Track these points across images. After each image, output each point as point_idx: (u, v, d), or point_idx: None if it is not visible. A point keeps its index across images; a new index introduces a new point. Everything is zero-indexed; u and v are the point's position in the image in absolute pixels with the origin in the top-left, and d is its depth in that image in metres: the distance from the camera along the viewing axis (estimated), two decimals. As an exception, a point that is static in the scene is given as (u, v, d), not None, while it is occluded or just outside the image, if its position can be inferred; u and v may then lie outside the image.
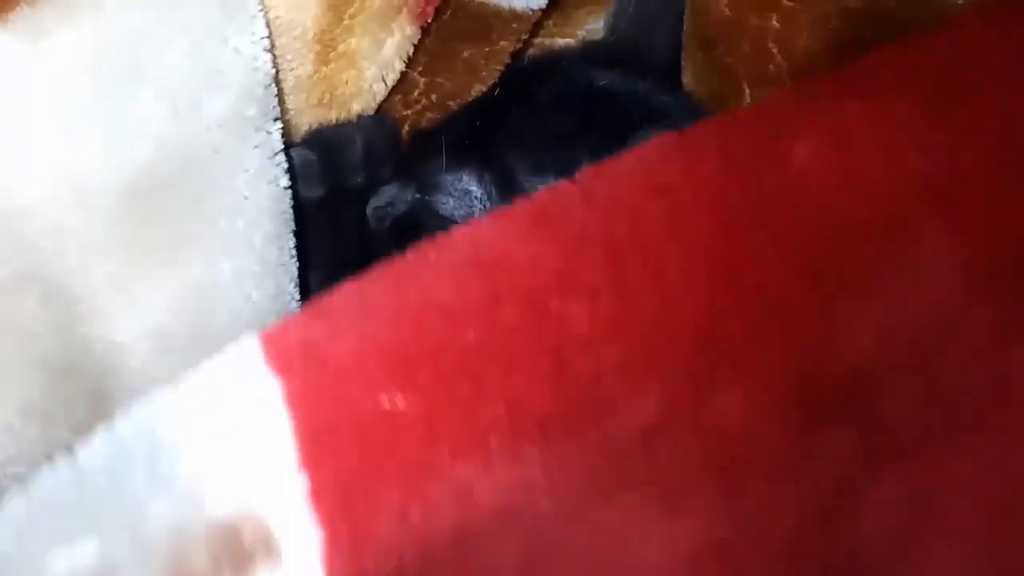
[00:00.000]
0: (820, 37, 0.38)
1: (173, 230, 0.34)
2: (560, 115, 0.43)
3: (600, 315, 0.27)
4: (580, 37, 0.49)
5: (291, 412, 0.25)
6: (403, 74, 0.43)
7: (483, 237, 0.28)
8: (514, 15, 0.44)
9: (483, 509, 0.26)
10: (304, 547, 0.24)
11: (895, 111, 0.31)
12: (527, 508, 0.27)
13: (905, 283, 0.30)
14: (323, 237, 0.41)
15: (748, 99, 0.42)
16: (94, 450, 0.24)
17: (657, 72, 0.45)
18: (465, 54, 0.45)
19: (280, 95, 0.37)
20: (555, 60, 0.47)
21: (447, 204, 0.42)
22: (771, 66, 0.40)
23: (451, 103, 0.46)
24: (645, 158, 0.29)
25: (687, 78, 0.45)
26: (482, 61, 0.45)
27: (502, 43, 0.45)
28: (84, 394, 0.34)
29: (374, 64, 0.42)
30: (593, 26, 0.49)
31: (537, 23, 0.46)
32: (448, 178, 0.42)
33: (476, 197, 0.42)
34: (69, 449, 0.24)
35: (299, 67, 0.40)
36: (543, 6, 0.44)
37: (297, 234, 0.37)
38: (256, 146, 0.35)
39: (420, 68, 0.45)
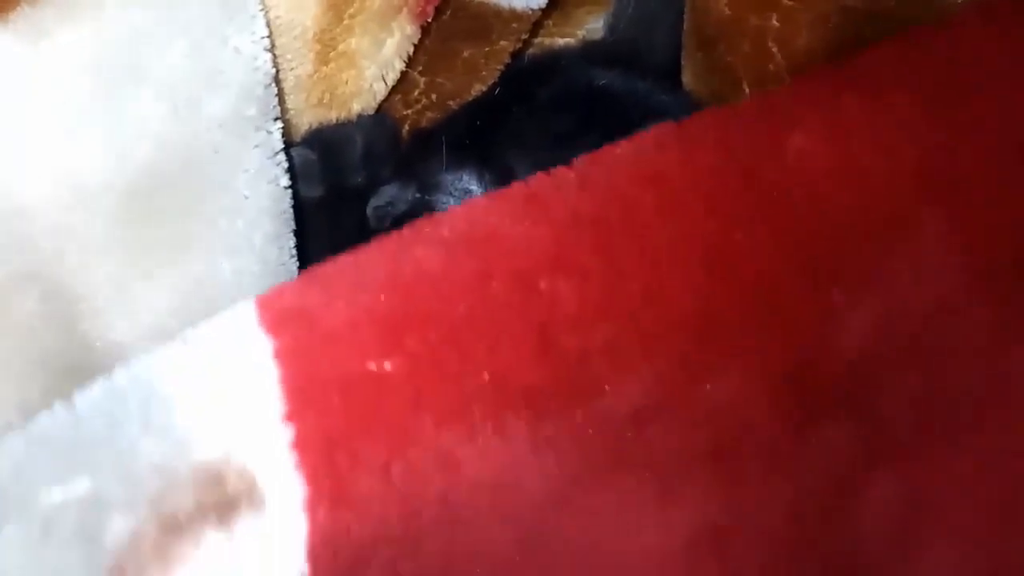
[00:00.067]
0: (820, 36, 0.38)
1: (173, 230, 0.34)
2: (560, 115, 0.43)
3: (589, 295, 0.28)
4: (580, 37, 0.49)
5: (280, 368, 0.25)
6: (403, 74, 0.43)
7: (477, 216, 0.28)
8: (514, 15, 0.43)
9: (469, 479, 0.26)
10: (287, 497, 0.25)
11: (893, 106, 0.31)
12: (518, 489, 0.28)
13: (902, 277, 0.30)
14: (323, 237, 0.41)
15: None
16: (91, 396, 0.25)
17: (657, 72, 0.45)
18: (465, 54, 0.45)
19: (280, 95, 0.37)
20: (555, 60, 0.47)
21: (447, 204, 0.42)
22: (771, 65, 0.40)
23: (451, 103, 0.46)
24: (642, 147, 0.30)
25: (687, 77, 0.45)
26: (482, 61, 0.45)
27: (502, 43, 0.45)
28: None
29: (374, 64, 0.42)
30: (593, 26, 0.49)
31: (537, 23, 0.46)
32: (448, 178, 0.42)
33: (476, 196, 0.42)
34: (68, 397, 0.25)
35: (299, 67, 0.40)
36: (543, 6, 0.44)
37: (297, 234, 0.37)
38: (256, 146, 0.35)
39: (420, 68, 0.45)
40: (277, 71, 0.36)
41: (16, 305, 0.32)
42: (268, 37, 0.35)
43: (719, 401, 0.29)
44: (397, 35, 0.42)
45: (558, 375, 0.27)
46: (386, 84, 0.43)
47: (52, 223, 0.32)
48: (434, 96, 0.46)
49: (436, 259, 0.27)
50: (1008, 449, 0.32)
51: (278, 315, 0.26)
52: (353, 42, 0.41)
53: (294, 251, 0.37)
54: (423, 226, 0.28)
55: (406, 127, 0.46)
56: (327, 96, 0.42)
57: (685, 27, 0.44)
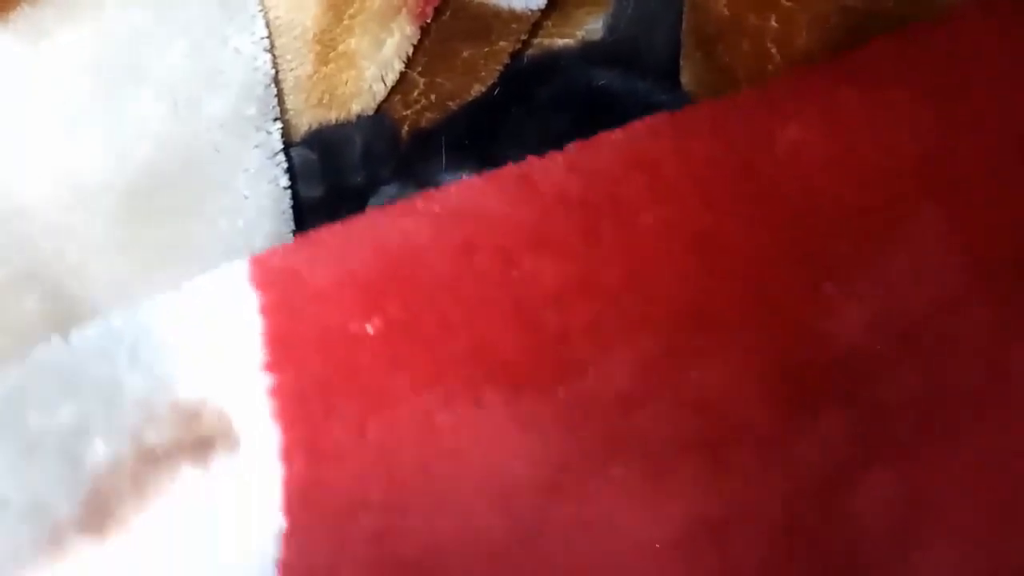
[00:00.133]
0: (819, 36, 0.38)
1: (173, 230, 0.34)
2: (559, 115, 0.43)
3: (570, 275, 0.28)
4: (579, 37, 0.49)
5: (264, 321, 0.26)
6: (403, 74, 0.43)
7: (466, 193, 0.29)
8: (513, 15, 0.43)
9: (448, 448, 0.27)
10: (262, 443, 0.26)
11: (891, 100, 0.31)
12: (505, 471, 0.28)
13: (900, 273, 0.30)
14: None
15: (747, 99, 0.42)
16: (87, 333, 0.26)
17: (656, 72, 0.45)
18: (465, 54, 0.45)
19: (280, 95, 0.37)
20: (554, 60, 0.47)
21: (446, 204, 0.42)
22: (770, 66, 0.40)
23: (451, 103, 0.46)
24: (635, 134, 0.30)
25: (686, 78, 0.45)
26: (481, 61, 0.45)
27: (501, 43, 0.45)
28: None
29: (374, 64, 0.42)
30: (592, 26, 0.49)
31: (536, 23, 0.46)
32: (447, 178, 0.42)
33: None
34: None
35: (299, 67, 0.40)
36: (542, 6, 0.44)
37: (297, 234, 0.37)
38: (256, 146, 0.35)
39: (420, 68, 0.45)
40: (277, 71, 0.36)
41: (16, 305, 0.32)
42: (268, 37, 0.35)
43: (707, 389, 0.29)
44: (397, 36, 0.42)
45: (536, 350, 0.28)
46: (386, 84, 0.43)
47: (52, 223, 0.32)
48: (433, 96, 0.46)
49: (423, 231, 0.28)
50: (1009, 448, 0.32)
51: (268, 273, 0.27)
52: (353, 42, 0.41)
53: (294, 251, 0.37)
54: (415, 201, 0.29)
55: (405, 127, 0.46)
56: (327, 96, 0.42)
57: (684, 27, 0.44)
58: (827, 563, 0.32)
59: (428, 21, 0.42)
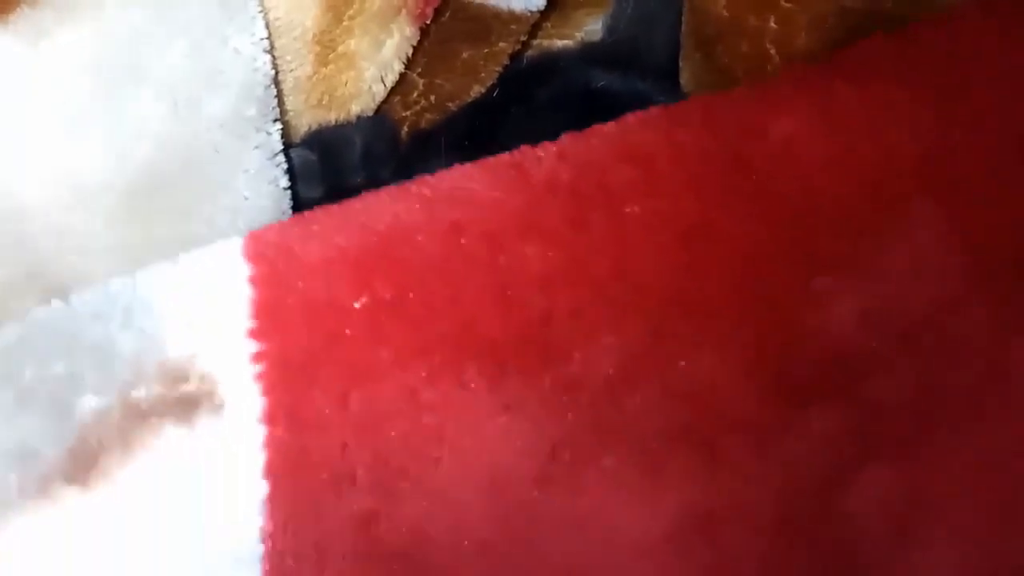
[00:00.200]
0: (818, 38, 0.38)
1: (173, 230, 0.34)
2: (559, 116, 0.43)
3: (555, 261, 0.29)
4: (578, 38, 0.49)
5: (253, 291, 0.27)
6: (402, 75, 0.43)
7: (458, 179, 0.30)
8: (513, 16, 0.44)
9: (433, 427, 0.28)
10: (245, 406, 0.27)
11: (888, 96, 0.31)
12: (494, 458, 0.28)
13: (894, 266, 0.30)
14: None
15: (746, 100, 0.42)
16: (86, 296, 0.28)
17: (655, 73, 0.45)
18: (464, 55, 0.45)
19: (280, 96, 0.37)
20: (554, 61, 0.47)
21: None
22: (769, 67, 0.40)
23: (450, 104, 0.46)
24: (627, 126, 0.30)
25: (685, 79, 0.45)
26: (481, 62, 0.45)
27: (501, 44, 0.45)
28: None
29: (373, 65, 0.42)
30: (592, 27, 0.49)
31: (536, 24, 0.46)
32: (447, 179, 0.42)
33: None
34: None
35: (299, 68, 0.40)
36: (542, 7, 0.44)
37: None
38: (256, 146, 0.35)
39: (419, 69, 0.45)
40: (277, 72, 0.36)
41: (16, 305, 0.32)
42: (268, 38, 0.35)
43: (697, 379, 0.30)
44: (396, 36, 0.42)
45: (521, 333, 0.28)
46: (385, 85, 0.43)
47: (52, 223, 0.32)
48: (433, 97, 0.46)
49: (414, 213, 0.29)
50: (1009, 447, 0.32)
51: (260, 247, 0.28)
52: (352, 43, 0.41)
53: (294, 252, 0.37)
54: (408, 185, 0.30)
55: (405, 128, 0.46)
56: (326, 97, 0.42)
57: (683, 28, 0.44)
58: (823, 560, 0.32)
59: (428, 22, 0.42)
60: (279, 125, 0.36)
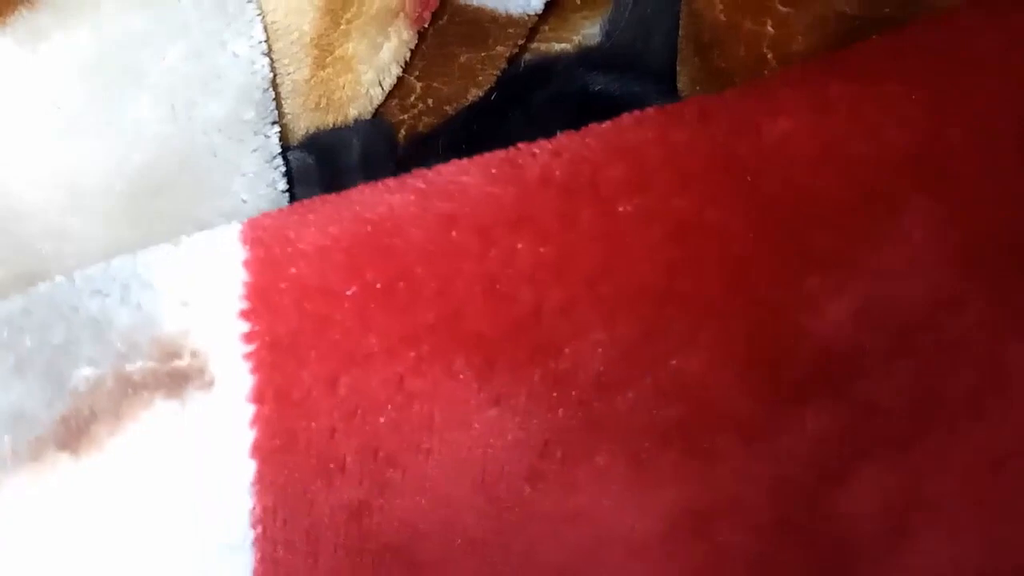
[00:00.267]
0: (815, 42, 0.39)
1: (171, 233, 0.34)
2: (556, 119, 0.43)
3: (546, 256, 0.29)
4: (576, 42, 0.49)
5: (247, 274, 0.28)
6: (400, 78, 0.43)
7: (453, 173, 0.30)
8: (510, 20, 0.44)
9: (422, 416, 0.28)
10: (235, 385, 0.27)
11: (881, 92, 0.31)
12: (485, 453, 0.29)
13: (889, 264, 0.31)
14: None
15: (743, 104, 0.42)
16: (88, 273, 0.28)
17: (653, 77, 0.45)
18: (462, 59, 0.45)
19: (278, 99, 0.37)
20: (551, 64, 0.47)
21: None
22: (766, 71, 0.41)
23: (448, 107, 0.46)
24: (621, 124, 0.31)
25: (683, 82, 0.45)
26: (479, 66, 0.45)
27: (499, 48, 0.45)
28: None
29: (371, 68, 0.42)
30: (589, 31, 0.49)
31: (533, 28, 0.46)
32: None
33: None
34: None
35: (296, 71, 0.40)
36: (539, 11, 0.44)
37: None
38: (254, 149, 0.35)
39: (417, 72, 0.45)
40: (274, 75, 0.36)
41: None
42: (266, 41, 0.35)
43: (688, 377, 0.30)
44: (394, 40, 0.42)
45: (510, 326, 0.28)
46: (383, 89, 0.43)
47: (50, 225, 0.32)
48: (431, 101, 0.46)
49: (407, 205, 0.29)
50: (1005, 446, 0.32)
51: (258, 232, 0.29)
52: (350, 47, 0.41)
53: (291, 255, 0.37)
54: (405, 177, 0.30)
55: (403, 132, 0.46)
56: (324, 100, 0.42)
57: (681, 32, 0.45)
58: (816, 559, 0.32)
59: (425, 26, 0.42)
60: (277, 128, 0.36)
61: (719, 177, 0.30)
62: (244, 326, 0.27)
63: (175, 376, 0.27)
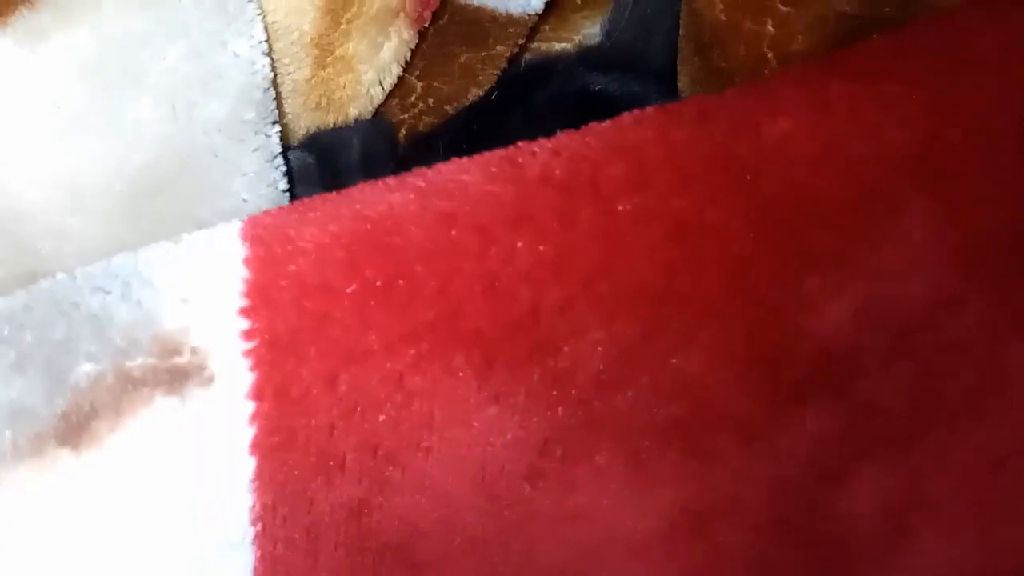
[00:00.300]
0: (815, 42, 0.39)
1: (172, 233, 0.34)
2: (557, 119, 0.43)
3: (544, 255, 0.29)
4: (576, 41, 0.49)
5: (247, 272, 0.28)
6: (400, 78, 0.43)
7: (454, 172, 0.30)
8: (511, 19, 0.44)
9: (422, 413, 0.28)
10: (235, 381, 0.27)
11: (881, 91, 0.31)
12: (485, 452, 0.29)
13: (889, 265, 0.31)
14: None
15: (743, 103, 0.42)
16: (90, 270, 0.29)
17: (653, 76, 0.45)
18: (462, 58, 0.45)
19: (278, 99, 0.37)
20: (551, 64, 0.47)
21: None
22: (766, 71, 0.41)
23: (448, 107, 0.46)
24: (621, 123, 0.31)
25: (683, 82, 0.45)
26: (479, 65, 0.45)
27: (499, 47, 0.45)
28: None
29: (372, 68, 0.42)
30: (590, 30, 0.49)
31: (534, 27, 0.46)
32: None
33: None
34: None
35: (297, 71, 0.40)
36: (540, 11, 0.44)
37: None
38: (255, 149, 0.35)
39: (417, 72, 0.45)
40: (275, 75, 0.36)
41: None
42: (266, 41, 0.35)
43: (687, 376, 0.30)
44: (394, 40, 0.42)
45: (508, 325, 0.29)
46: (383, 88, 0.43)
47: (50, 225, 0.32)
48: (431, 100, 0.46)
49: (407, 203, 0.29)
50: (1006, 443, 0.32)
51: (258, 230, 0.29)
52: (351, 47, 0.41)
53: (292, 254, 0.37)
54: (405, 176, 0.30)
55: (403, 131, 0.46)
56: (325, 100, 0.42)
57: (681, 32, 0.45)
58: (816, 559, 0.32)
59: (426, 25, 0.42)
60: (278, 128, 0.36)
61: (719, 176, 0.30)
62: (244, 323, 0.27)
63: (175, 373, 0.27)
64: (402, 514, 0.29)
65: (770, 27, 0.40)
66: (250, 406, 0.27)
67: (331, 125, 0.43)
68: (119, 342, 0.27)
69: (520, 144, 0.31)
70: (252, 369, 0.27)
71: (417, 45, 0.43)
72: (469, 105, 0.46)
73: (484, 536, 0.30)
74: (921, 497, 0.32)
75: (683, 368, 0.30)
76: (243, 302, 0.28)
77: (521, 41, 0.45)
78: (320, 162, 0.41)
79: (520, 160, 0.30)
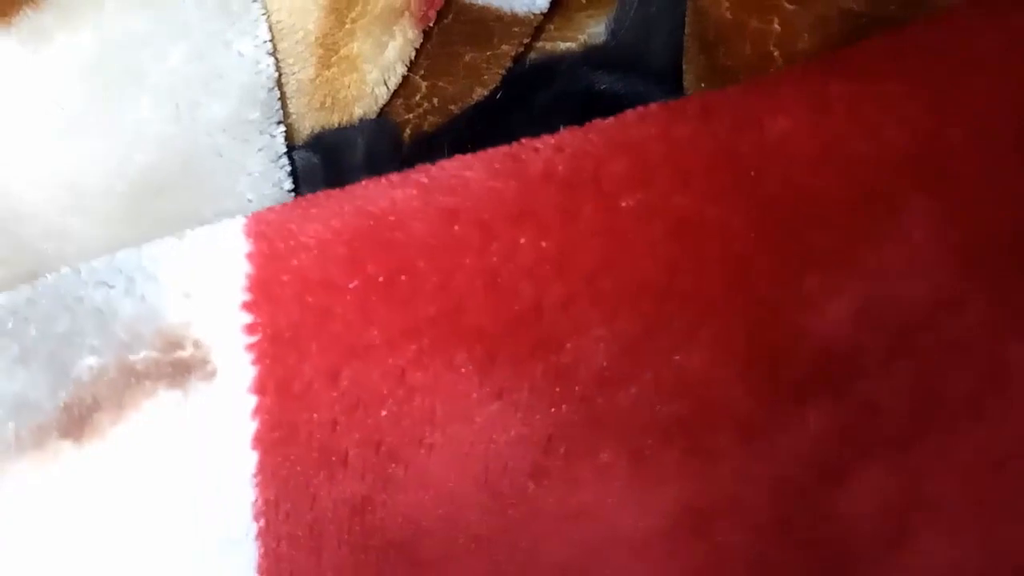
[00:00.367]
0: (821, 40, 0.38)
1: (173, 233, 0.34)
2: (561, 118, 0.43)
3: (547, 251, 0.29)
4: (581, 41, 0.49)
5: (250, 267, 0.28)
6: (405, 78, 0.43)
7: (457, 168, 0.30)
8: (515, 19, 0.44)
9: (424, 409, 0.28)
10: (237, 376, 0.27)
11: (882, 90, 0.31)
12: (487, 448, 0.29)
13: (889, 264, 0.31)
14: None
15: (748, 102, 0.42)
16: (93, 266, 0.29)
17: (658, 75, 0.45)
18: (467, 58, 0.45)
19: (282, 98, 0.37)
20: (556, 64, 0.47)
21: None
22: (772, 69, 0.40)
23: (453, 106, 0.46)
24: (624, 120, 0.31)
25: (688, 81, 0.45)
26: (484, 65, 0.45)
27: (504, 47, 0.45)
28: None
29: (376, 68, 0.42)
30: (594, 30, 0.49)
31: (538, 27, 0.46)
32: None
33: None
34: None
35: (301, 71, 0.40)
36: (545, 10, 0.44)
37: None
38: (259, 149, 0.35)
39: (422, 72, 0.45)
40: (279, 75, 0.36)
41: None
42: (270, 41, 0.35)
43: (688, 373, 0.30)
44: (399, 39, 0.42)
45: (510, 321, 0.29)
46: (388, 88, 0.43)
47: (52, 226, 0.32)
48: (436, 100, 0.46)
49: (410, 199, 0.29)
50: (1006, 443, 0.32)
51: (261, 226, 0.29)
52: (355, 46, 0.41)
53: (296, 254, 0.37)
54: (409, 172, 0.30)
55: (408, 131, 0.46)
56: (329, 100, 0.42)
57: (686, 31, 0.44)
58: (817, 558, 0.32)
59: (430, 25, 0.42)
60: (283, 128, 0.36)
61: (720, 174, 0.30)
62: (246, 318, 0.28)
63: (178, 366, 0.27)
64: (405, 511, 0.29)
65: (776, 25, 0.40)
66: (252, 400, 0.27)
67: (336, 125, 0.43)
68: (122, 336, 0.27)
69: (523, 140, 0.31)
70: (254, 363, 0.27)
71: (422, 44, 0.43)
72: (474, 105, 0.46)
73: (488, 534, 0.30)
74: (921, 497, 0.32)
75: (685, 365, 0.30)
76: (246, 297, 0.28)
77: (526, 40, 0.45)
78: (325, 162, 0.41)
79: (523, 156, 0.30)
